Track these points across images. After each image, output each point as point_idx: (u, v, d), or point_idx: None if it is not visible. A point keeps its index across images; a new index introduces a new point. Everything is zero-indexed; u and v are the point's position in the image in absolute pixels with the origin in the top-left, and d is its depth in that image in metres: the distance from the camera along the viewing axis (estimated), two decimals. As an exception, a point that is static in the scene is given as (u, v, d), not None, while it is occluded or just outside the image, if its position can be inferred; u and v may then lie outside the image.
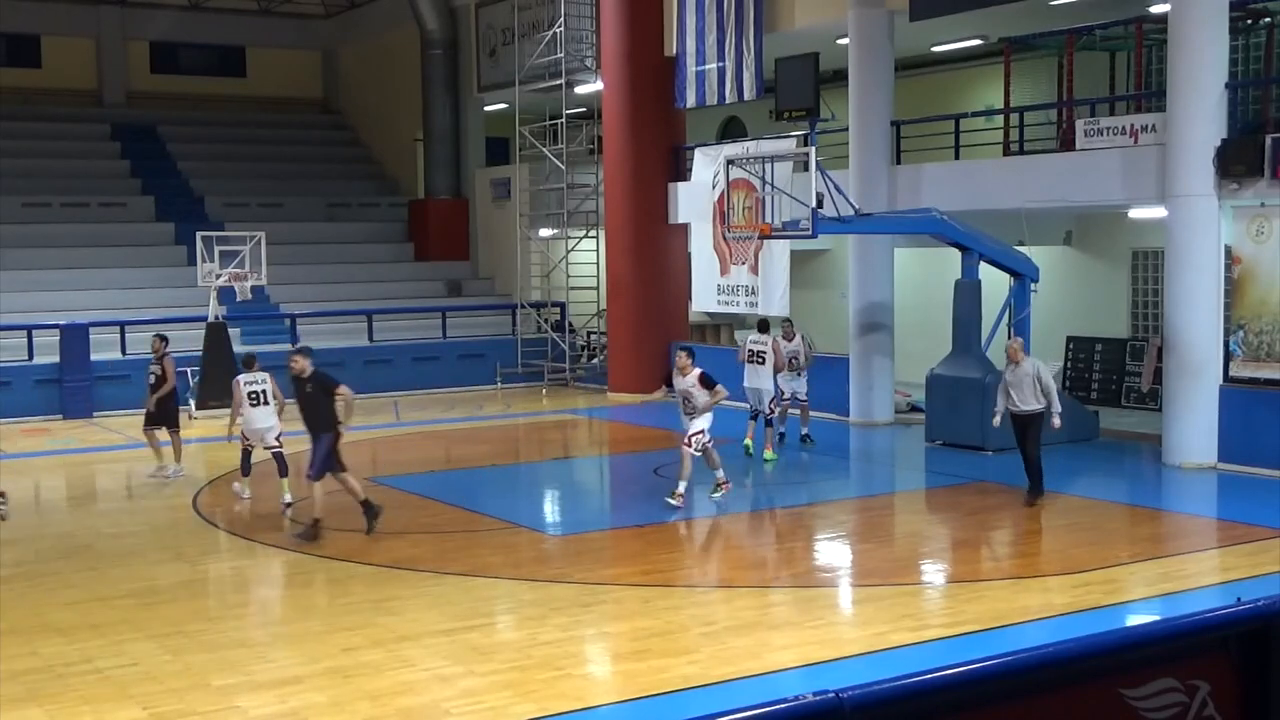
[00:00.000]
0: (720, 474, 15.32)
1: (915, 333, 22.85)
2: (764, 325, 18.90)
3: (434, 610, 10.91)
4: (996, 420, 15.09)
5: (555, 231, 29.04)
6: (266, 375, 16.30)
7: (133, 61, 36.10)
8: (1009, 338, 19.60)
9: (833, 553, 13.63)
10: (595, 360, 28.49)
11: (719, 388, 14.96)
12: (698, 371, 15.04)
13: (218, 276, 23.79)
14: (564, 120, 27.69)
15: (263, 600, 12.08)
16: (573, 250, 28.75)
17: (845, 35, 21.42)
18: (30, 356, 24.33)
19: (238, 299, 24.67)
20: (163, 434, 18.11)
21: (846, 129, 21.38)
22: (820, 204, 17.84)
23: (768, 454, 17.97)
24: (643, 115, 25.35)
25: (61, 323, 24.47)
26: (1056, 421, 14.65)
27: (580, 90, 28.24)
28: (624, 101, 25.44)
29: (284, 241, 28.06)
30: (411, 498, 16.07)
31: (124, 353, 24.95)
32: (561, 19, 27.31)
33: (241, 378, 16.17)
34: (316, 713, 8.57)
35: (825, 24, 21.96)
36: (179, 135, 34.31)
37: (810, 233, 18.10)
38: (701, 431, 15.00)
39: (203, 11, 35.88)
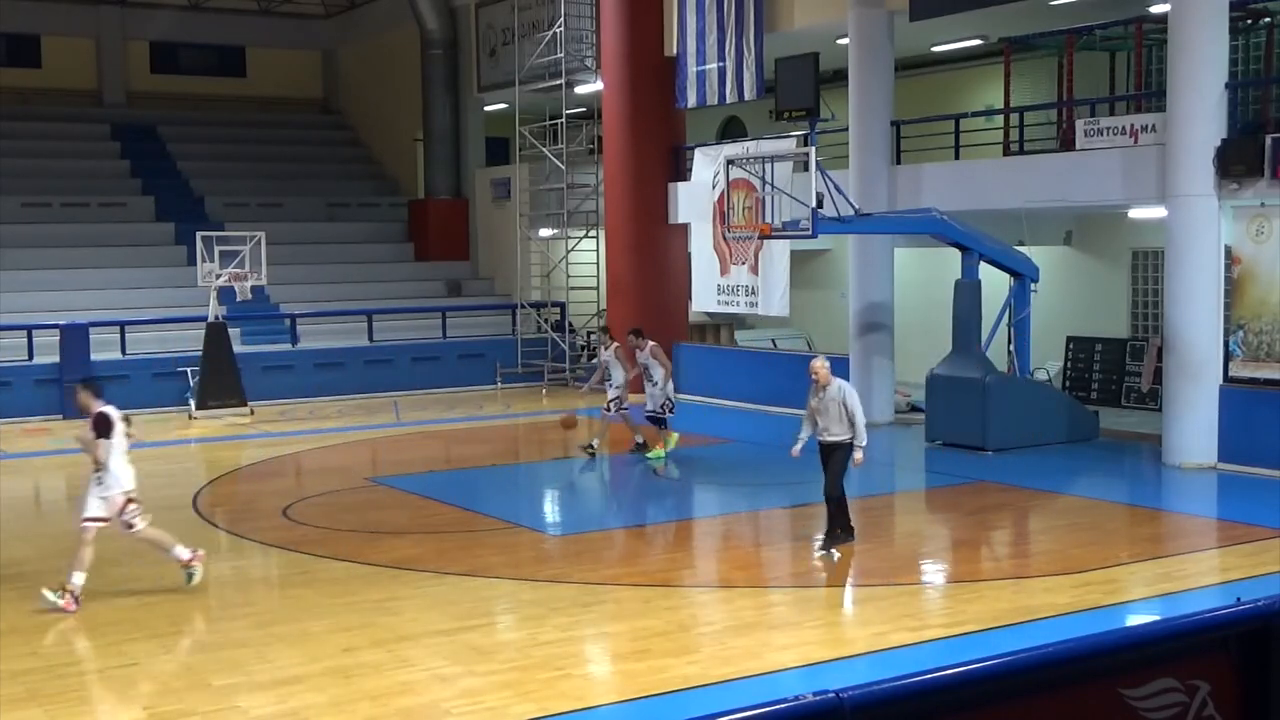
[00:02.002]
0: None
1: (915, 333, 22.87)
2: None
3: (434, 610, 10.91)
4: (796, 450, 12.86)
5: (555, 231, 29.04)
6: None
7: (133, 61, 36.10)
8: (1009, 339, 19.66)
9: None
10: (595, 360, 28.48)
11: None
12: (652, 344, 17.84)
13: (218, 276, 23.78)
14: (564, 120, 27.69)
15: (262, 600, 12.07)
16: (572, 250, 28.75)
17: (845, 35, 21.42)
18: (30, 356, 24.32)
19: (238, 299, 24.67)
20: None
21: (846, 129, 21.39)
22: (820, 204, 17.86)
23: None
24: (643, 115, 25.35)
25: (61, 323, 24.46)
26: (858, 456, 12.60)
27: (580, 90, 28.25)
28: (624, 101, 25.44)
29: (284, 241, 28.07)
30: (412, 498, 16.07)
31: (124, 353, 24.95)
32: (561, 19, 27.30)
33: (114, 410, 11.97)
34: (316, 713, 8.57)
35: (825, 24, 21.96)
36: (179, 135, 34.31)
37: (810, 233, 18.11)
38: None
39: (202, 11, 35.88)
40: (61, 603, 10.99)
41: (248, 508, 16.00)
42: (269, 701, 8.81)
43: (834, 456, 12.70)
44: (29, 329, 24.44)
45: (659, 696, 8.78)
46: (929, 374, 19.42)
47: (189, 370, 24.22)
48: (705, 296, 24.12)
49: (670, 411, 18.35)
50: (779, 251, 22.14)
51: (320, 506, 15.58)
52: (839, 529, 12.79)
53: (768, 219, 18.60)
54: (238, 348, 24.66)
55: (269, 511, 15.35)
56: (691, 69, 24.09)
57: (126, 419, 11.84)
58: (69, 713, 8.63)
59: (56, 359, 24.17)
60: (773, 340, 27.28)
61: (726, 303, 23.61)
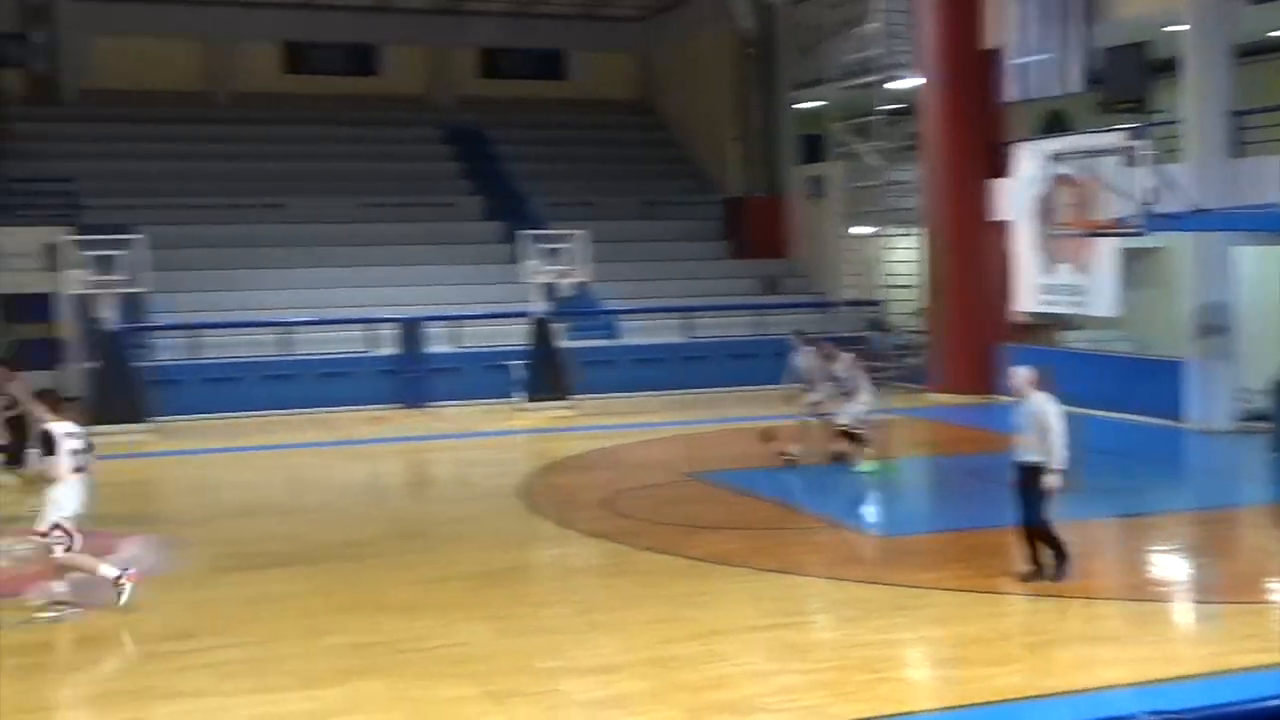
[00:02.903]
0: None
1: (1262, 335, 21.47)
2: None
3: (749, 606, 10.98)
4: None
5: (872, 229, 28.74)
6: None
7: (462, 67, 37.75)
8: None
9: (1167, 566, 12.98)
10: (914, 360, 28.03)
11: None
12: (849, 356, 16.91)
13: (542, 274, 24.62)
14: (880, 116, 27.37)
15: (583, 588, 12.41)
16: (890, 248, 28.40)
17: (1176, 22, 20.36)
18: (370, 349, 25.83)
19: (562, 295, 25.45)
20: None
21: (1179, 121, 20.32)
22: (1152, 200, 17.03)
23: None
24: (962, 110, 24.81)
25: (399, 316, 25.85)
26: (1051, 481, 11.13)
27: (896, 85, 27.86)
28: (942, 96, 24.96)
29: (603, 240, 28.78)
30: (728, 493, 16.20)
31: (456, 346, 26.16)
32: (877, 14, 26.99)
33: (59, 428, 11.07)
34: (636, 701, 8.76)
35: (1157, 10, 20.93)
36: (504, 137, 35.65)
37: (1141, 230, 17.30)
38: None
39: (527, 17, 37.16)
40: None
41: (569, 498, 16.48)
42: (590, 687, 9.07)
43: (1029, 482, 11.30)
44: (370, 322, 25.94)
45: (981, 706, 8.57)
46: (1273, 379, 18.25)
47: (515, 364, 25.15)
48: (1028, 296, 23.35)
49: (865, 430, 17.40)
50: (1108, 250, 21.21)
51: (639, 499, 15.90)
52: (1046, 562, 11.40)
53: (1095, 216, 17.86)
54: (562, 343, 25.45)
55: (589, 503, 15.78)
56: (1015, 61, 23.39)
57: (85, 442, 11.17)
58: (406, 685, 9.09)
59: (395, 351, 25.58)
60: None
61: (1051, 303, 22.76)
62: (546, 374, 24.68)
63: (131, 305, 24.18)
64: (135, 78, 34.08)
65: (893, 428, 19.95)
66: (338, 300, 27.25)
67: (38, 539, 11.01)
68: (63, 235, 24.28)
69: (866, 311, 29.03)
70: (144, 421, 22.68)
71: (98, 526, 14.75)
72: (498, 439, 21.93)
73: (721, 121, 34.56)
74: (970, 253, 25.00)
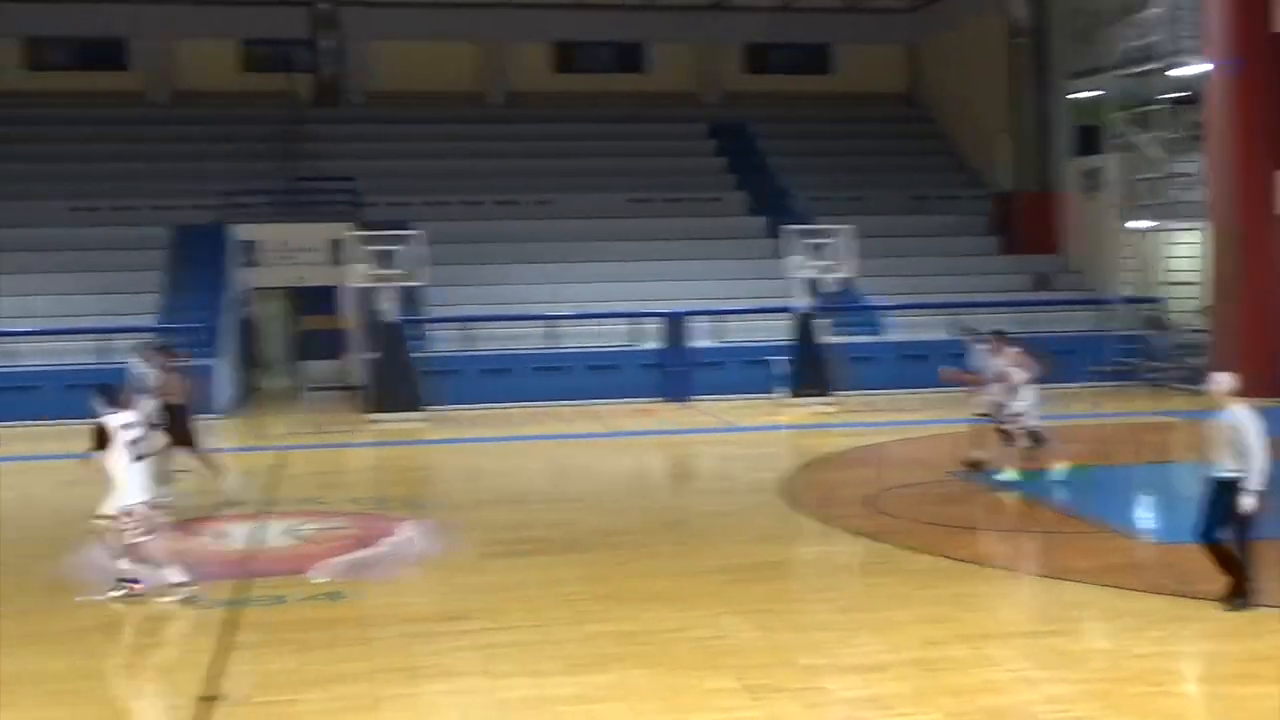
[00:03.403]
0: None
1: None
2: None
3: (1017, 610, 10.68)
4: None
5: (1152, 223, 27.51)
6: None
7: (728, 63, 37.88)
8: None
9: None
10: (1196, 361, 26.72)
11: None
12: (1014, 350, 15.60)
13: (806, 269, 24.50)
14: (1162, 105, 26.16)
15: (846, 586, 12.27)
16: (1171, 243, 27.14)
17: None
18: (635, 343, 26.21)
19: (825, 291, 25.27)
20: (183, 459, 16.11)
21: None
22: None
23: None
24: (1252, 97, 23.51)
25: (663, 311, 26.13)
26: (1247, 501, 10.11)
27: (1180, 72, 26.57)
28: (1231, 83, 23.71)
29: (868, 235, 28.44)
30: (994, 494, 15.76)
31: (720, 341, 26.30)
32: (1161, -2, 25.85)
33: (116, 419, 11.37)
34: (899, 701, 8.59)
35: None
36: (769, 132, 35.61)
37: None
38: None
39: (792, 12, 37.01)
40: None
41: (831, 495, 16.33)
42: (853, 686, 8.95)
43: (1219, 496, 10.37)
44: (634, 317, 26.33)
45: (1270, 725, 8.09)
46: None
47: (776, 359, 25.10)
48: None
49: (1026, 431, 15.98)
50: None
51: (902, 498, 15.63)
52: (1235, 587, 10.41)
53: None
54: (825, 338, 25.27)
55: (851, 500, 15.60)
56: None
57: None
58: (666, 675, 9.14)
59: (660, 345, 25.89)
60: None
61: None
62: (809, 370, 24.56)
63: (409, 298, 25.17)
64: (414, 80, 35.48)
65: (1176, 431, 19.04)
66: (604, 295, 27.75)
67: (107, 523, 11.26)
68: (346, 231, 25.44)
69: (1144, 309, 27.82)
70: (420, 410, 23.58)
71: (375, 509, 15.48)
72: (759, 434, 21.93)
73: (991, 113, 33.68)
74: (1259, 248, 23.69)
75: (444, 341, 26.64)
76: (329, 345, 29.94)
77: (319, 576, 12.01)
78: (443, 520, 14.75)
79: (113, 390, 11.64)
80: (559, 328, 26.48)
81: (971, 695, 8.67)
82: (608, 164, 33.50)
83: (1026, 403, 15.99)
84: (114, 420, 11.22)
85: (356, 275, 23.93)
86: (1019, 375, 16.05)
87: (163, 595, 11.19)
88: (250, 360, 29.94)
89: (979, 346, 17.13)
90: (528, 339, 26.47)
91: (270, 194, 30.00)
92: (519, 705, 8.62)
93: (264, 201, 29.82)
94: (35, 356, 24.54)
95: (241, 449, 21.57)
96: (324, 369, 30.18)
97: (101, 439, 11.13)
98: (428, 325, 26.58)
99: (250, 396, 28.46)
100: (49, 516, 16.20)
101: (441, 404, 24.12)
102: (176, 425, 15.55)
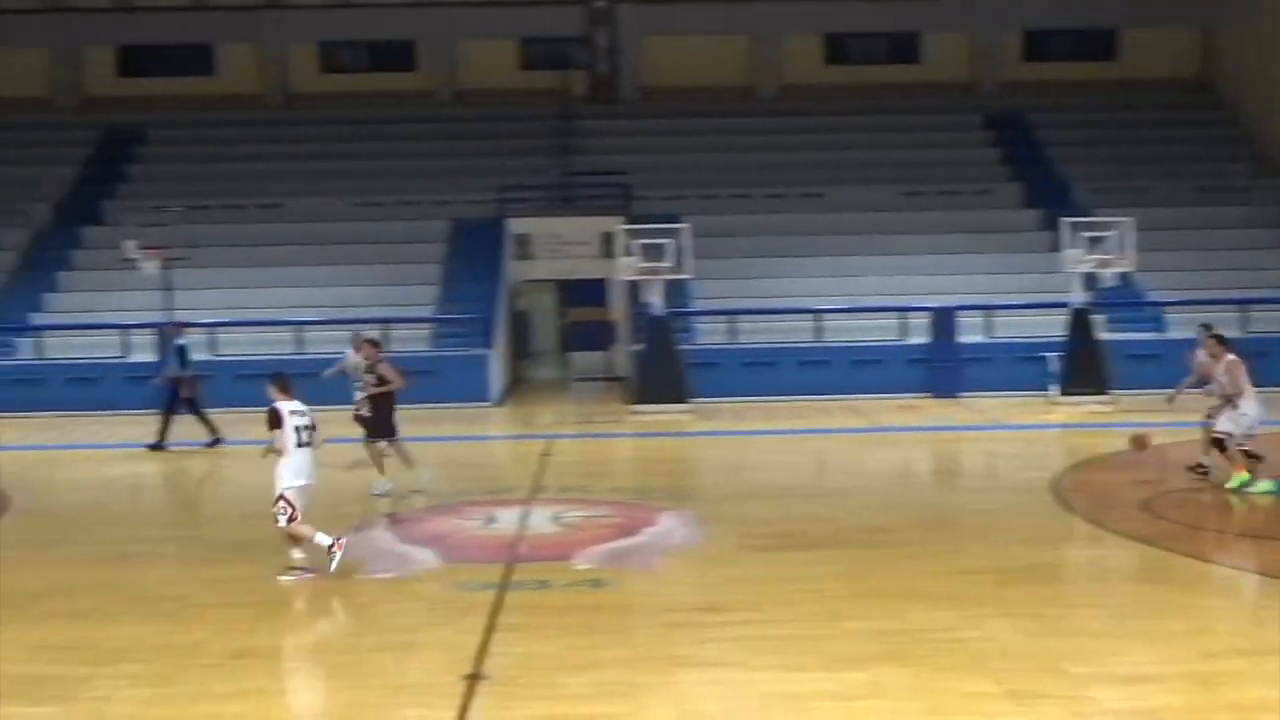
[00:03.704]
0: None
1: None
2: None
3: (1310, 625, 10.00)
4: None
5: None
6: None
7: (1006, 51, 36.85)
8: None
9: None
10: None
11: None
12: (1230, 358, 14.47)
13: (1083, 262, 23.63)
14: None
15: (1119, 592, 11.75)
16: None
17: None
18: (902, 337, 25.79)
19: (1103, 285, 24.33)
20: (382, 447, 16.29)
21: None
22: None
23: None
24: None
25: (931, 306, 25.64)
26: None
27: None
28: None
29: (1152, 227, 27.24)
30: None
31: (989, 336, 25.65)
32: None
33: (285, 405, 12.11)
34: (1173, 715, 8.19)
35: None
36: (1047, 122, 34.53)
37: None
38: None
39: (1074, -4, 35.80)
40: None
41: (1104, 497, 15.69)
42: (1123, 697, 8.57)
43: None
44: (901, 311, 25.92)
45: None
46: None
47: (1051, 355, 24.31)
48: None
49: (1237, 442, 14.98)
50: None
51: (1181, 502, 14.89)
52: None
53: None
54: (1102, 334, 24.35)
55: (1126, 503, 14.95)
56: None
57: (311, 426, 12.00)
58: (928, 677, 8.96)
59: (927, 340, 25.41)
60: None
61: None
62: (1084, 367, 23.68)
63: (675, 291, 25.43)
64: (685, 75, 35.84)
65: None
66: (872, 288, 27.42)
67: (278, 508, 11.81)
68: (616, 225, 25.87)
69: None
70: (684, 402, 23.80)
71: (637, 499, 15.69)
72: (1030, 432, 21.28)
73: (1291, 99, 31.79)
74: None
75: (709, 334, 26.81)
76: (596, 337, 30.57)
77: (583, 563, 12.24)
78: (703, 512, 14.84)
79: (283, 378, 12.31)
80: (824, 321, 26.28)
81: (1250, 713, 8.20)
82: (879, 156, 33.11)
83: (1243, 412, 15.08)
84: (284, 407, 11.95)
85: (625, 268, 24.31)
86: (1233, 382, 15.16)
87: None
88: (521, 351, 30.81)
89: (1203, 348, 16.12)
90: (793, 333, 26.37)
91: (544, 189, 30.79)
92: (776, 699, 8.59)
93: (538, 196, 30.64)
94: (317, 345, 25.82)
95: (510, 437, 22.26)
96: (590, 360, 30.82)
97: (274, 423, 11.88)
98: (693, 318, 26.79)
99: (520, 386, 29.29)
100: (328, 496, 17.06)
101: (704, 397, 24.29)
102: (380, 414, 15.99)
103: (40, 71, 36.45)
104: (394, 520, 14.42)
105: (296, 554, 11.87)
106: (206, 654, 9.71)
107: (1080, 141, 33.64)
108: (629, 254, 24.08)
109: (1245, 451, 15.10)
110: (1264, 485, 14.95)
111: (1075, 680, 8.87)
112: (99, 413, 24.55)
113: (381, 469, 15.94)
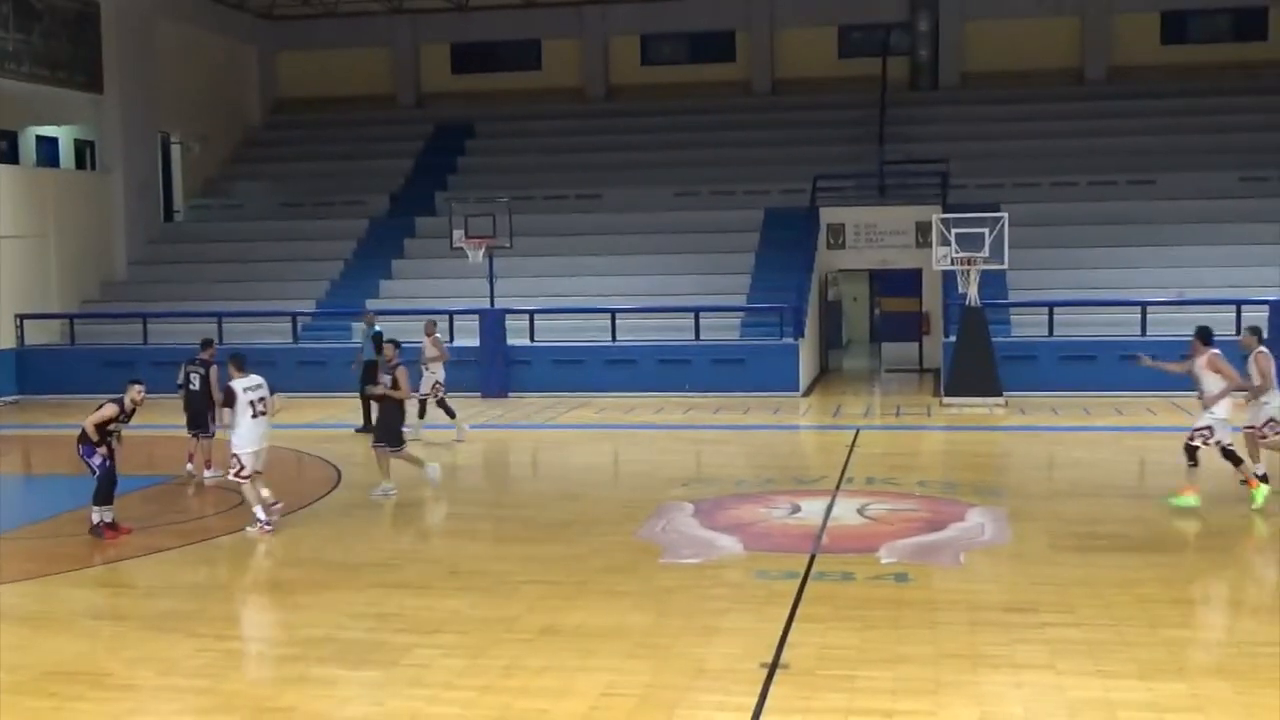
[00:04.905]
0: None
1: None
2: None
3: None
4: None
5: None
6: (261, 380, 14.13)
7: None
8: None
9: None
10: None
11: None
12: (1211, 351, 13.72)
13: None
14: None
15: None
16: None
17: None
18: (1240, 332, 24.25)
19: None
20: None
21: None
22: None
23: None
24: None
25: (1271, 298, 24.12)
26: None
27: None
28: None
29: None
30: None
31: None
32: None
33: (239, 383, 13.80)
34: None
35: None
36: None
37: None
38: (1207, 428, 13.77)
39: None
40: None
41: None
42: None
43: None
44: (1238, 303, 24.41)
45: None
46: None
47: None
48: None
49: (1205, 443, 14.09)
50: None
51: None
52: None
53: None
54: None
55: None
56: None
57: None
58: (1257, 691, 8.44)
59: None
60: None
61: None
62: None
63: (991, 281, 24.73)
64: (1008, 59, 34.83)
65: None
66: (1207, 280, 25.94)
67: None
68: (931, 214, 25.33)
69: None
70: (998, 395, 23.14)
71: (945, 494, 15.33)
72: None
73: None
74: None
75: (1025, 326, 25.94)
76: (907, 328, 30.07)
77: (887, 557, 12.09)
78: (1014, 508, 14.39)
79: (239, 358, 14.04)
80: (1152, 315, 24.97)
81: None
82: (1217, 140, 31.27)
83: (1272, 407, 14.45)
84: (238, 385, 13.64)
85: (939, 258, 23.79)
86: (1261, 377, 14.37)
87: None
88: (831, 341, 30.57)
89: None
90: (1115, 326, 25.17)
91: (859, 177, 30.48)
92: (1086, 705, 8.27)
93: (852, 185, 30.35)
94: (632, 333, 26.30)
95: (817, 427, 22.15)
96: (901, 351, 30.32)
97: (228, 401, 13.68)
98: (1010, 309, 26.00)
99: (829, 376, 29.13)
100: (632, 480, 17.42)
101: (1018, 390, 23.56)
102: (388, 421, 15.77)
103: (383, 71, 38.54)
104: (700, 507, 14.57)
105: (258, 510, 13.62)
106: (519, 629, 10.08)
107: None
108: (944, 243, 23.54)
109: (1226, 449, 14.27)
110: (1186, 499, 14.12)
111: None
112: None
113: (386, 473, 15.66)
